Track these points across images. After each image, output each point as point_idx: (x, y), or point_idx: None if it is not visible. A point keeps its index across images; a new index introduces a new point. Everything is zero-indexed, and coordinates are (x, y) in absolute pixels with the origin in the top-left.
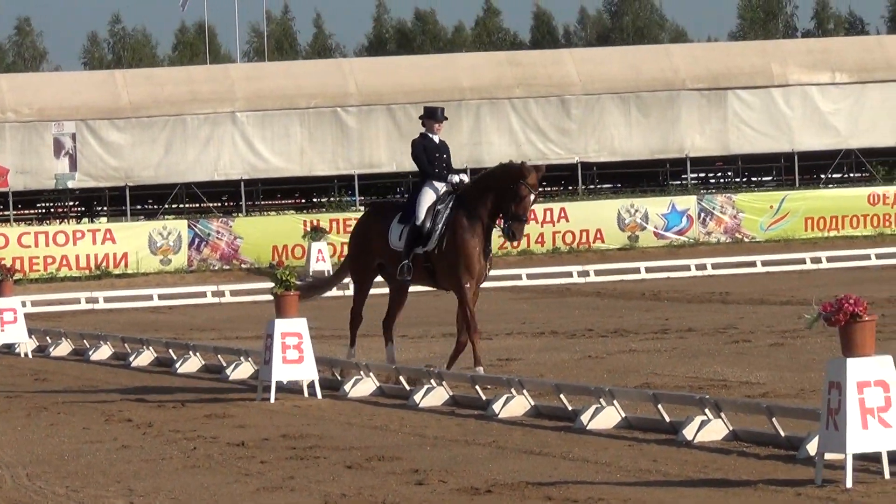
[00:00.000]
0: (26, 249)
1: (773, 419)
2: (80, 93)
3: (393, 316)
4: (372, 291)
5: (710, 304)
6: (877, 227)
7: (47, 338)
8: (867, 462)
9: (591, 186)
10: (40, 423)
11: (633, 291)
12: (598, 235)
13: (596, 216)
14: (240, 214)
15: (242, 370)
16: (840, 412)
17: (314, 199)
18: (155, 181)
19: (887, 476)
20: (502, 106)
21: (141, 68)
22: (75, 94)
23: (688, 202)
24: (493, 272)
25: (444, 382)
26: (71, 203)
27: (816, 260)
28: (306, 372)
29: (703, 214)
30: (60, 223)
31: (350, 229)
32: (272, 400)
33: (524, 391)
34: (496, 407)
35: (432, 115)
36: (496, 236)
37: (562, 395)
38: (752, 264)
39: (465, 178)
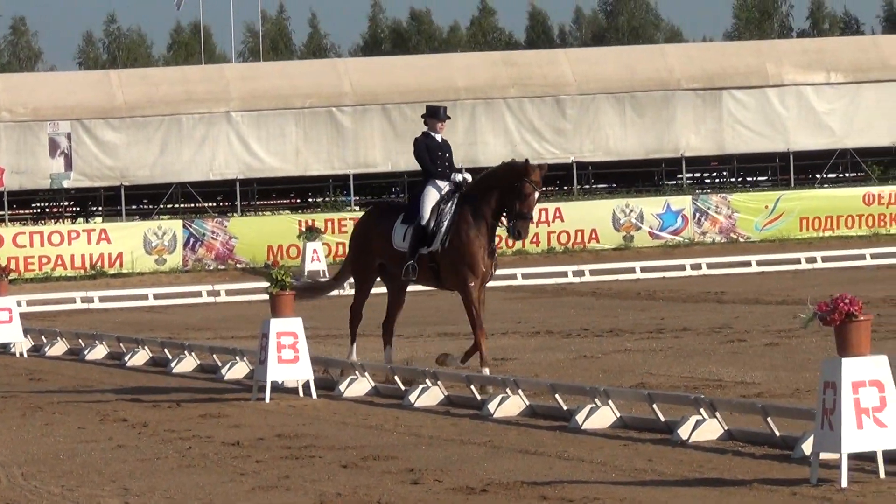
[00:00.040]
0: (21, 249)
1: (769, 419)
2: (75, 92)
3: (392, 317)
4: (371, 291)
5: (705, 303)
6: (872, 227)
7: (42, 337)
8: (862, 462)
9: (587, 186)
10: (35, 422)
11: (628, 291)
12: (594, 235)
13: (591, 216)
14: (235, 214)
15: (238, 370)
16: (835, 412)
17: (309, 199)
18: (150, 181)
19: (882, 476)
20: (497, 106)
21: (136, 68)
22: (70, 94)
23: (683, 202)
24: None
25: (439, 382)
26: (66, 203)
27: (812, 260)
28: (302, 372)
29: (698, 214)
30: (56, 223)
31: (345, 229)
32: (267, 399)
33: (519, 391)
34: (491, 407)
35: (435, 114)
36: (498, 235)
37: (557, 395)
38: (748, 264)
39: (468, 176)
